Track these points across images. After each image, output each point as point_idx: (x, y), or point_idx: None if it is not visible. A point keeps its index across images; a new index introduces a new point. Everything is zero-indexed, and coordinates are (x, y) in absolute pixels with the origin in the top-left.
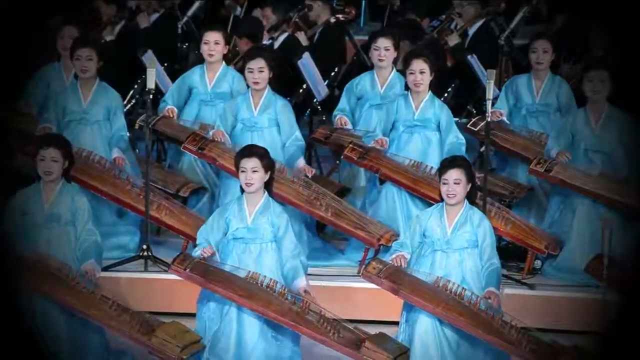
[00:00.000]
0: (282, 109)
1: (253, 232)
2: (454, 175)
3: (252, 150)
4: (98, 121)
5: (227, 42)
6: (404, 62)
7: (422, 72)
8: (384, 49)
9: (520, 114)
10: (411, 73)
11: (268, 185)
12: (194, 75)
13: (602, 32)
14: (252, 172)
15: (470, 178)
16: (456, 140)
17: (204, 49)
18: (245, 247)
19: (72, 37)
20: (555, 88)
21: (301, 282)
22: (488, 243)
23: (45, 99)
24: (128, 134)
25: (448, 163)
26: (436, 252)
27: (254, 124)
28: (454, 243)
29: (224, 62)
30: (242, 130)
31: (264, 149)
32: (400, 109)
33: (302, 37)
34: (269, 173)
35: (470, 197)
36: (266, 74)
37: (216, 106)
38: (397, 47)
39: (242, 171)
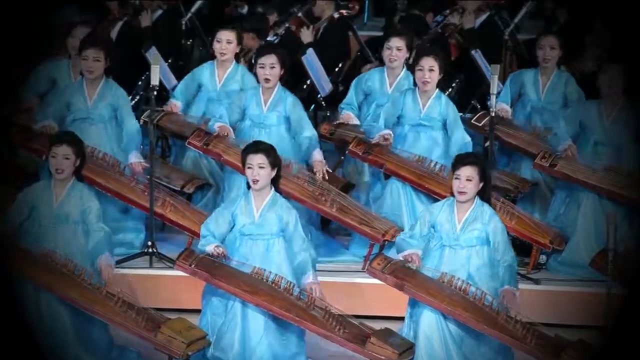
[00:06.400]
0: (293, 105)
1: (260, 228)
2: (467, 172)
3: (258, 147)
4: (103, 121)
5: (240, 42)
6: (414, 58)
7: (431, 70)
8: (395, 49)
9: (525, 110)
10: (419, 70)
11: (275, 182)
12: (203, 72)
13: (605, 28)
14: (259, 168)
15: (483, 176)
16: (462, 141)
17: (216, 47)
18: (253, 243)
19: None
20: (561, 85)
21: (308, 278)
22: (500, 240)
23: (48, 94)
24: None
25: (462, 159)
26: (444, 247)
27: (263, 121)
28: (463, 240)
29: (234, 60)
30: (250, 127)
31: (270, 145)
32: (406, 105)
33: (306, 33)
34: (275, 169)
35: (485, 196)
36: (277, 70)
37: (224, 104)
38: (409, 47)
39: (249, 167)
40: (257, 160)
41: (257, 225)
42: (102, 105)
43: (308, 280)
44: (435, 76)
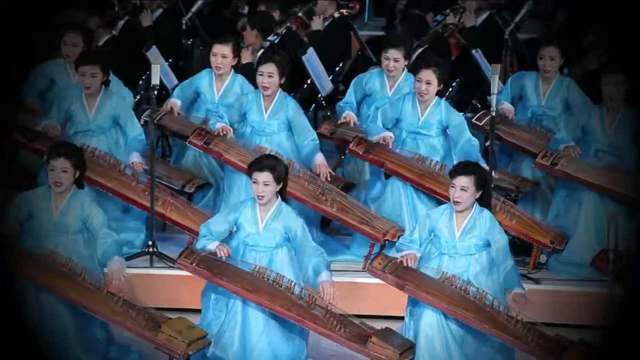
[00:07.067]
0: (295, 110)
1: (264, 239)
2: (462, 182)
3: (264, 163)
4: (104, 131)
5: (236, 54)
6: (414, 66)
7: (428, 83)
8: (393, 60)
9: (525, 114)
10: (418, 81)
11: (281, 192)
12: (202, 81)
13: (603, 29)
14: (264, 185)
15: (481, 186)
16: (467, 145)
17: (212, 60)
18: (256, 255)
19: (75, 44)
20: (563, 90)
21: (322, 277)
22: (500, 246)
23: (48, 94)
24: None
25: (459, 168)
26: (443, 255)
27: (264, 129)
28: (462, 248)
29: (232, 71)
30: (251, 133)
31: (275, 160)
32: (405, 109)
33: (317, 22)
34: (281, 183)
35: (482, 202)
36: (276, 79)
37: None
38: (407, 57)
39: (254, 182)
40: (263, 178)
41: (261, 236)
42: (101, 117)
43: (322, 278)
44: (432, 89)
